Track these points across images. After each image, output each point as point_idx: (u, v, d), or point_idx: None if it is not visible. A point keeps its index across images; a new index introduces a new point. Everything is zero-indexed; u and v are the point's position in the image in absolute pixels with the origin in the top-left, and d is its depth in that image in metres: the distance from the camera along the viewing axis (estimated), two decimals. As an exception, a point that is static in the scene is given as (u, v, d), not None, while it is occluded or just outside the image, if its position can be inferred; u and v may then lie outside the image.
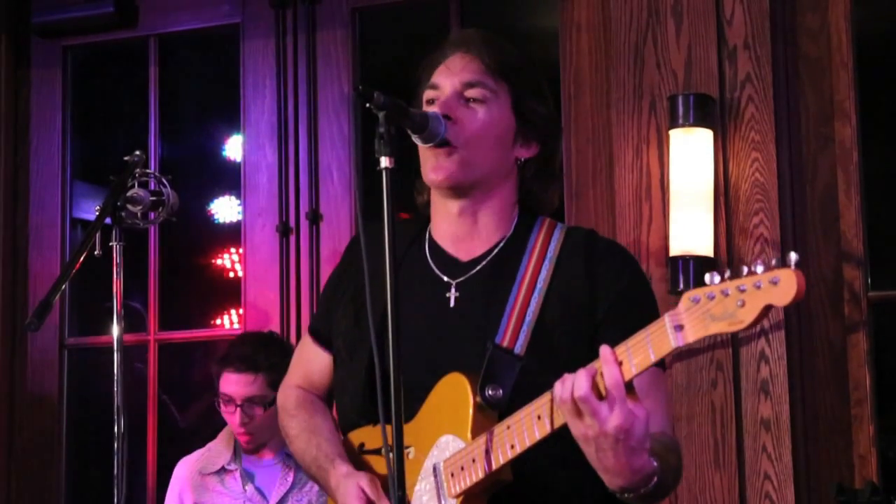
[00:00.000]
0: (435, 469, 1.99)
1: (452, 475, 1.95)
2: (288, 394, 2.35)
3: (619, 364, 1.72)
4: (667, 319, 1.67)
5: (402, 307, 2.05)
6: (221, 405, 3.52)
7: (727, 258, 3.62)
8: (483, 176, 2.10)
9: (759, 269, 1.58)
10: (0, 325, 4.51)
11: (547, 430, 1.83)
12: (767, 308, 1.58)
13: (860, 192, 3.67)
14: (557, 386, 1.77)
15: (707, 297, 1.63)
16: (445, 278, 2.13)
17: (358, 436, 2.17)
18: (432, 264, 2.16)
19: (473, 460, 1.91)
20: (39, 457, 4.50)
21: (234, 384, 3.48)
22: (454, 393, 1.99)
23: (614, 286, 2.06)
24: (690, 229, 3.57)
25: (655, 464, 1.80)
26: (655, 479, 1.79)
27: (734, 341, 3.59)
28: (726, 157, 3.66)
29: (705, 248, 3.58)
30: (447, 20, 4.18)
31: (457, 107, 2.08)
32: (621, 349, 1.73)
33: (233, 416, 3.50)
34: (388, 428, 1.85)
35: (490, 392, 1.96)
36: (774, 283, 1.56)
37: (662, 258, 3.60)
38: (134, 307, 4.51)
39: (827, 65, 3.73)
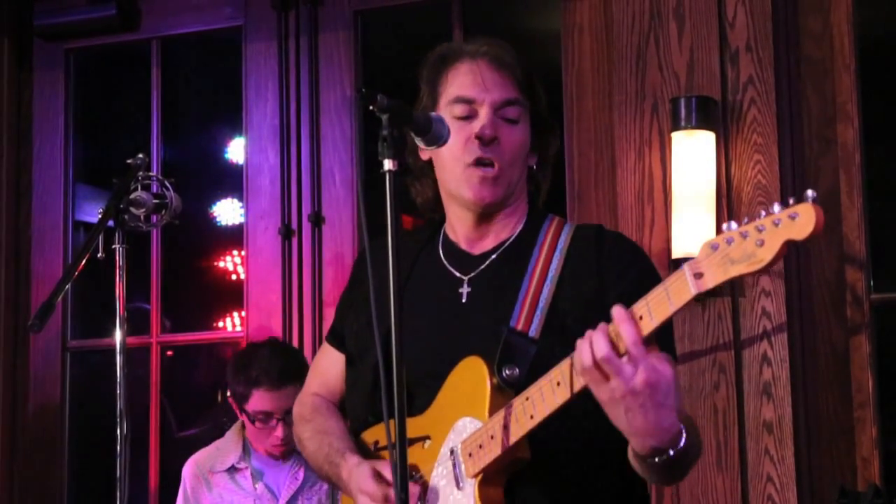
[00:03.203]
0: (452, 452, 2.00)
1: (470, 455, 1.96)
2: (304, 401, 2.39)
3: (639, 319, 1.72)
4: (686, 269, 1.68)
5: (416, 305, 2.12)
6: (257, 423, 3.49)
7: (729, 260, 3.61)
8: (511, 190, 2.17)
9: (777, 208, 1.58)
10: (2, 326, 4.51)
11: (567, 395, 1.83)
12: (787, 244, 1.57)
13: (862, 195, 3.67)
14: (577, 353, 1.77)
15: (726, 243, 1.63)
16: (458, 274, 2.17)
17: (371, 434, 2.19)
18: (445, 261, 2.20)
19: (492, 437, 1.92)
20: (42, 459, 4.50)
21: (274, 400, 3.46)
22: (471, 376, 2.01)
23: (623, 279, 2.08)
24: (692, 231, 3.57)
25: (682, 426, 1.79)
26: (684, 439, 1.78)
27: (736, 344, 3.59)
28: (728, 160, 3.66)
29: (708, 250, 3.58)
30: (449, 22, 4.18)
31: (498, 127, 2.13)
32: (641, 304, 1.73)
33: (273, 431, 3.48)
34: (392, 423, 1.85)
35: (507, 372, 1.98)
36: (793, 218, 1.56)
37: (664, 260, 3.60)
38: (141, 308, 4.50)
39: (829, 67, 3.73)
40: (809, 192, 1.55)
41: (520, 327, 2.03)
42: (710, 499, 3.55)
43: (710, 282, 1.65)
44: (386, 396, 1.84)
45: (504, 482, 1.97)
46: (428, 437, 2.06)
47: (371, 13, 4.35)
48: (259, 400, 3.46)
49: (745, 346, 3.59)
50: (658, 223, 3.68)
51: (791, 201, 1.56)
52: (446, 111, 2.15)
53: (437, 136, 2.04)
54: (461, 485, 1.97)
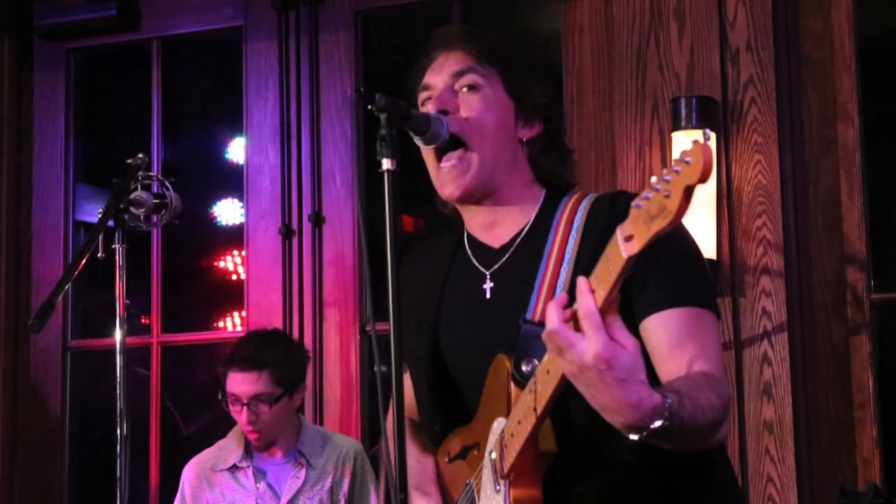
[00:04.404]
0: (490, 455, 1.98)
1: (501, 455, 1.94)
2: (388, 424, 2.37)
3: (591, 293, 1.63)
4: (618, 233, 1.60)
5: (450, 308, 2.11)
6: (229, 405, 3.55)
7: (730, 260, 3.62)
8: (494, 167, 2.08)
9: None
10: (3, 326, 4.52)
11: (555, 382, 1.74)
12: (688, 190, 1.50)
13: (863, 195, 3.67)
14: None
15: (645, 199, 1.55)
16: (481, 269, 2.12)
17: (444, 448, 2.15)
18: (471, 256, 2.15)
19: (512, 434, 1.89)
20: (42, 458, 4.50)
21: (239, 383, 3.51)
22: (499, 375, 1.98)
23: None
24: (693, 231, 3.54)
25: (662, 398, 1.66)
26: (666, 414, 1.66)
27: (737, 344, 3.59)
28: (729, 160, 3.66)
29: (708, 250, 3.58)
30: (449, 23, 4.18)
31: (451, 99, 2.08)
32: (592, 278, 1.65)
33: (240, 415, 3.52)
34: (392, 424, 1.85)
35: (526, 367, 1.92)
36: (687, 162, 1.49)
37: (665, 260, 3.60)
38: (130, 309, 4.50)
39: (829, 67, 3.73)
40: (705, 131, 1.50)
41: (538, 318, 1.95)
42: (711, 499, 3.54)
43: (639, 243, 1.56)
44: (382, 409, 1.83)
45: (539, 478, 1.91)
46: (478, 443, 2.03)
47: (371, 13, 4.36)
48: (231, 380, 3.53)
49: (746, 345, 3.59)
50: (658, 223, 3.68)
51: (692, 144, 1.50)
52: (419, 106, 2.13)
53: (436, 136, 2.03)
54: (497, 487, 1.95)
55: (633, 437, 1.68)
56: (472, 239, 2.18)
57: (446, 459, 2.14)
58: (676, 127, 3.63)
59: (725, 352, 3.58)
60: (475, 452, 2.04)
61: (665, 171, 1.52)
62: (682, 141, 3.62)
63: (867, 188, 3.68)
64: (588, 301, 1.63)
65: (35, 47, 4.66)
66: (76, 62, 4.69)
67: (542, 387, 1.78)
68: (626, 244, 1.57)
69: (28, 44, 4.66)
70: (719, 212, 3.62)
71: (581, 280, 1.65)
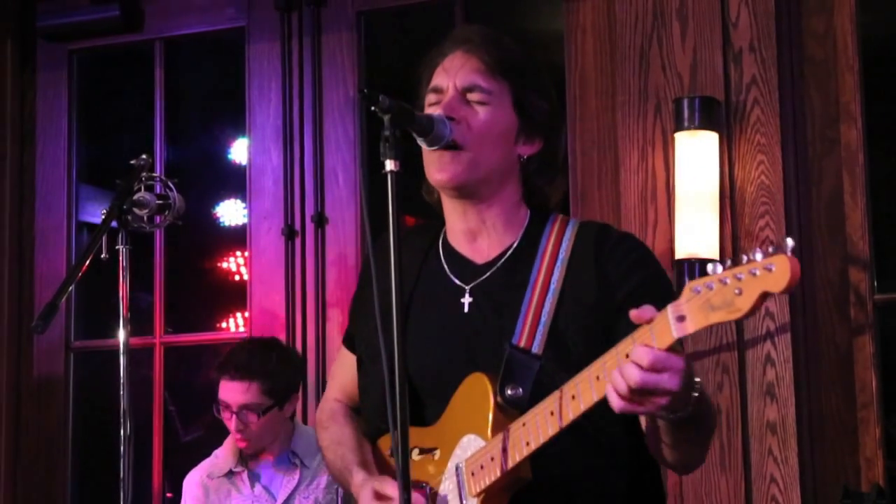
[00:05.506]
0: (457, 469, 2.01)
1: (473, 474, 1.97)
2: (323, 407, 2.39)
3: (625, 357, 1.72)
4: (669, 310, 1.68)
5: (419, 313, 2.12)
6: (217, 412, 3.55)
7: (733, 261, 3.61)
8: (487, 175, 2.10)
9: (758, 256, 1.58)
10: (6, 327, 4.52)
11: (559, 425, 1.83)
12: (764, 295, 1.58)
13: (866, 195, 3.67)
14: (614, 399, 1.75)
15: (707, 287, 1.63)
16: (459, 283, 2.14)
17: (386, 441, 2.18)
18: (447, 269, 2.17)
19: (492, 458, 1.93)
20: (45, 459, 4.50)
21: (229, 391, 3.50)
22: (475, 393, 2.01)
23: (626, 283, 2.05)
24: (696, 232, 3.57)
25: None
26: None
27: (740, 344, 3.59)
28: (732, 160, 3.66)
29: (711, 250, 3.58)
30: (452, 23, 4.18)
31: (459, 107, 2.09)
32: (627, 342, 1.73)
33: (230, 423, 3.53)
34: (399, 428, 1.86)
35: (510, 391, 1.98)
36: (769, 269, 1.56)
37: (668, 261, 3.60)
38: (142, 304, 4.51)
39: (832, 67, 3.73)
40: (789, 242, 1.56)
41: (522, 344, 2.02)
42: (714, 499, 3.55)
43: (692, 327, 1.66)
44: (390, 404, 1.84)
45: (507, 500, 1.97)
46: (436, 449, 2.07)
47: (374, 14, 4.36)
48: (222, 388, 3.53)
49: (749, 346, 3.59)
50: (661, 224, 3.68)
51: (770, 249, 1.57)
52: (426, 105, 2.15)
53: (440, 137, 2.03)
54: (464, 502, 1.99)
55: (674, 415, 1.77)
56: (449, 247, 2.19)
57: (388, 453, 2.17)
58: (679, 127, 3.63)
59: (729, 353, 3.58)
60: (433, 457, 2.07)
61: (738, 268, 1.60)
62: (685, 141, 3.62)
63: (870, 188, 3.68)
64: (645, 350, 1.71)
65: (38, 48, 4.66)
66: (79, 63, 4.69)
67: (542, 426, 1.86)
68: (678, 324, 1.67)
69: (31, 45, 4.66)
70: (722, 212, 3.62)
71: (640, 349, 1.71)
